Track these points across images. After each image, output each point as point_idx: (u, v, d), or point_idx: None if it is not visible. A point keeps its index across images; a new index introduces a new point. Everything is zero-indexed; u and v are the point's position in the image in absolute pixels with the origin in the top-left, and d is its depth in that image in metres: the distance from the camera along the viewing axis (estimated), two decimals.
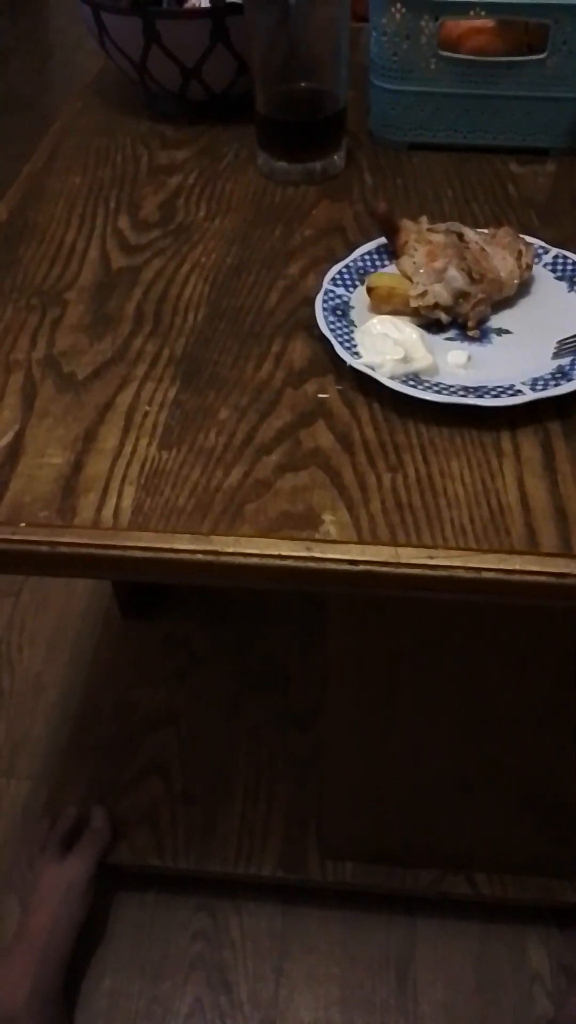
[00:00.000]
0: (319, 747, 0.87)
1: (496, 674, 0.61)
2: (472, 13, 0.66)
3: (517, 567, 0.42)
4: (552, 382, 0.49)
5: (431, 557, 0.43)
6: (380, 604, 0.55)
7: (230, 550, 0.44)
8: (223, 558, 0.44)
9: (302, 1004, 0.78)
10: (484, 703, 0.63)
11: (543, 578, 0.42)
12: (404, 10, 0.66)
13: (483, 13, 0.66)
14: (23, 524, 0.45)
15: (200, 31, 0.70)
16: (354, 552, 0.43)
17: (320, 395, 0.51)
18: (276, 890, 0.84)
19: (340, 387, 0.52)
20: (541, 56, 0.66)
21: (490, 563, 0.42)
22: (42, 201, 0.68)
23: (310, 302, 0.57)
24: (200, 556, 0.44)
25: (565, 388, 0.49)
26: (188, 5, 0.71)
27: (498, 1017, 0.78)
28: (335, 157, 0.70)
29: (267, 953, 0.81)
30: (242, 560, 0.44)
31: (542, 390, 0.49)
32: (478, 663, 0.60)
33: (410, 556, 0.43)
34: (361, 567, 0.43)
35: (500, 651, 0.59)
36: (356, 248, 0.60)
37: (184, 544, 0.44)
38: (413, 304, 0.54)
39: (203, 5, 0.71)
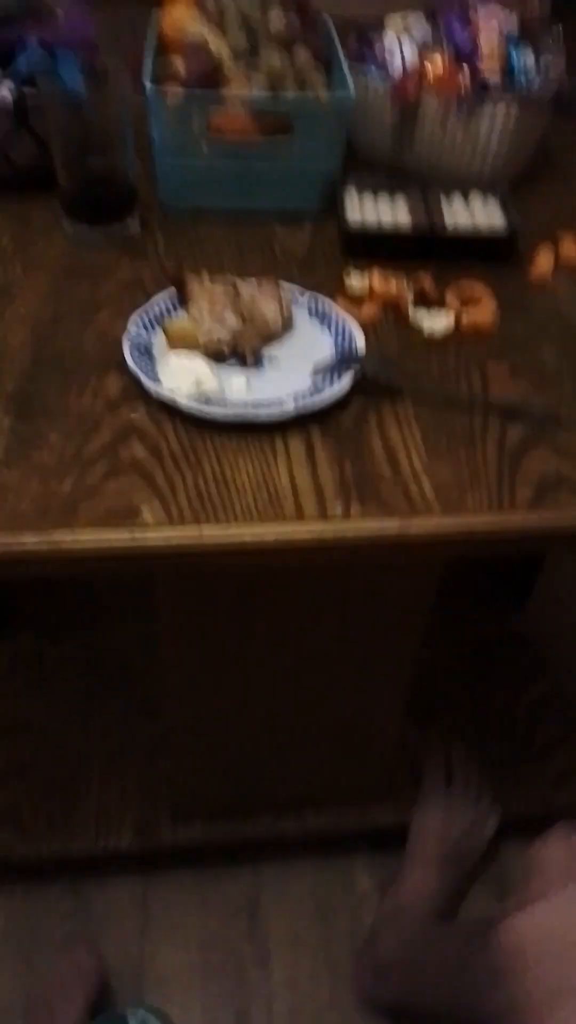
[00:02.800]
0: (166, 732, 0.98)
1: (305, 627, 0.74)
2: (231, 105, 0.82)
3: (289, 531, 0.57)
4: (310, 396, 0.65)
5: (225, 530, 0.56)
6: (196, 577, 0.68)
7: (68, 539, 0.55)
8: (63, 546, 0.56)
9: (166, 955, 0.89)
10: (297, 654, 0.77)
11: (307, 536, 0.57)
12: (177, 102, 0.80)
13: (240, 105, 0.82)
14: None
15: (3, 118, 0.82)
16: (167, 532, 0.56)
17: (132, 415, 0.64)
18: (134, 862, 0.94)
19: (148, 410, 0.65)
20: (289, 139, 0.83)
21: (270, 530, 0.57)
22: None
23: (118, 343, 0.69)
24: (44, 547, 0.55)
25: (319, 399, 0.64)
26: None
27: (335, 936, 0.92)
28: (130, 221, 0.83)
29: (131, 918, 0.91)
30: (79, 547, 0.56)
31: (302, 402, 0.64)
32: (287, 620, 0.73)
33: (211, 531, 0.56)
34: (174, 543, 0.56)
35: (305, 607, 0.73)
36: (152, 298, 0.74)
37: (29, 539, 0.55)
38: (201, 341, 0.68)
39: (3, 94, 0.82)
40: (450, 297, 0.76)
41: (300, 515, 0.57)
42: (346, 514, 0.57)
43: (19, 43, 0.83)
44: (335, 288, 0.78)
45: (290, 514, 0.57)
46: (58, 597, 1.14)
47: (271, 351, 0.71)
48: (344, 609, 0.73)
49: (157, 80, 0.83)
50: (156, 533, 0.56)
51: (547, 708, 1.07)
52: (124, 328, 0.70)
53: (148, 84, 0.81)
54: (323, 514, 0.57)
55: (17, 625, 1.10)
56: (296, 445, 0.63)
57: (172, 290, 0.73)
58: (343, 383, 0.66)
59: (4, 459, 0.60)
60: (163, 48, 0.91)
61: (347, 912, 0.94)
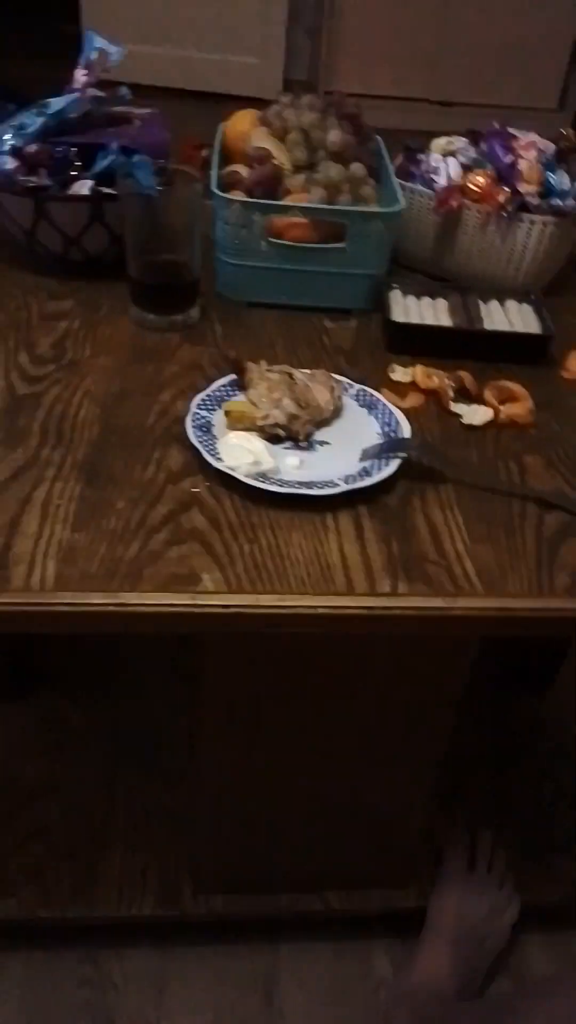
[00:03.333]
0: (189, 801, 0.99)
1: (341, 707, 0.77)
2: (291, 213, 0.89)
3: (339, 604, 0.60)
4: (358, 478, 0.69)
5: (281, 600, 0.60)
6: (243, 646, 0.71)
7: (134, 602, 0.59)
8: (129, 608, 0.59)
9: None
10: (331, 734, 0.79)
11: (357, 611, 0.60)
12: (241, 208, 0.88)
13: (299, 213, 0.89)
14: None
15: (81, 211, 0.89)
16: (226, 599, 0.60)
17: (193, 489, 0.69)
18: (154, 933, 0.94)
19: (208, 484, 0.69)
20: (342, 245, 0.90)
21: (322, 602, 0.60)
22: None
23: (180, 421, 0.74)
24: (112, 608, 0.59)
25: (368, 482, 0.68)
26: (71, 190, 0.90)
27: (351, 1018, 0.91)
28: (192, 311, 0.89)
29: (148, 990, 0.90)
30: (143, 609, 0.59)
31: (352, 483, 0.68)
32: (325, 698, 0.76)
33: (266, 600, 0.60)
34: (232, 610, 0.60)
35: (344, 686, 0.75)
36: (212, 381, 0.79)
37: (98, 599, 0.59)
38: (259, 423, 0.73)
39: (83, 192, 0.90)
40: (488, 394, 0.81)
41: (351, 589, 0.61)
42: (394, 591, 0.61)
43: (100, 146, 0.91)
44: (380, 380, 0.84)
45: (341, 588, 0.61)
46: (84, 660, 1.16)
47: (323, 435, 0.75)
48: (381, 690, 0.75)
49: (222, 186, 0.91)
50: (216, 600, 0.60)
51: (570, 797, 1.07)
52: (185, 406, 0.76)
53: (215, 190, 0.88)
54: (372, 589, 0.61)
55: (43, 686, 1.13)
56: (346, 523, 0.67)
57: (232, 376, 0.79)
58: (390, 467, 0.70)
59: (75, 523, 0.64)
60: (228, 156, 1.00)
61: (364, 995, 0.93)
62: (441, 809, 0.95)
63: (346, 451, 0.73)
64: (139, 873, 0.92)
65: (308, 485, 0.68)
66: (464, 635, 0.70)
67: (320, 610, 0.60)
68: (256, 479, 0.68)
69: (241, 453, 0.70)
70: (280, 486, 0.67)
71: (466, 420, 0.78)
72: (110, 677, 1.15)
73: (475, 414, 0.79)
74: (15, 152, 0.89)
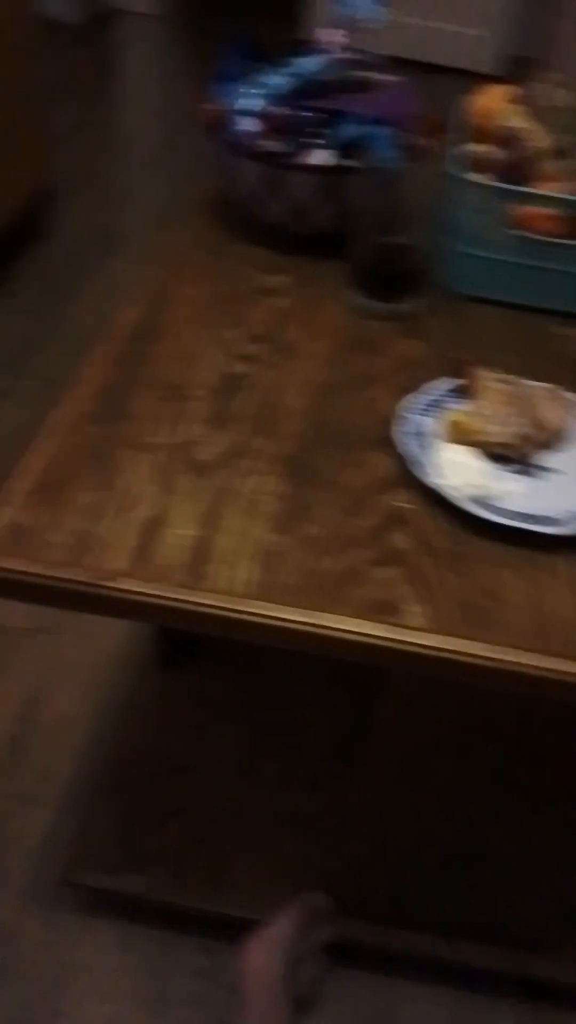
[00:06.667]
0: (323, 808, 0.95)
1: (527, 779, 0.69)
2: (543, 201, 0.80)
3: (559, 668, 0.53)
4: None
5: (494, 651, 0.53)
6: (433, 695, 0.64)
7: (332, 625, 0.54)
8: (323, 631, 0.54)
9: None
10: (506, 801, 0.71)
11: None
12: (486, 192, 0.80)
13: (553, 203, 0.80)
14: (163, 583, 0.55)
15: (315, 183, 0.84)
16: (430, 639, 0.54)
17: (402, 504, 0.62)
18: None
19: (418, 500, 0.63)
20: None
21: (545, 663, 0.53)
22: (167, 307, 0.80)
23: (387, 421, 0.68)
24: (306, 628, 0.54)
25: None
26: (309, 159, 0.84)
27: None
28: (412, 300, 0.82)
29: None
30: (341, 635, 0.54)
31: None
32: (512, 766, 0.68)
33: (478, 649, 0.53)
34: (434, 652, 0.53)
35: (539, 758, 0.67)
36: (427, 382, 0.72)
37: (295, 616, 0.54)
38: (484, 439, 0.66)
39: (322, 162, 0.84)
40: None
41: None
42: None
43: (346, 113, 0.84)
44: None
45: (568, 649, 0.53)
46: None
47: (553, 462, 0.67)
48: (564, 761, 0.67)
49: (465, 167, 0.83)
50: (419, 638, 0.54)
51: None
52: (394, 405, 0.69)
53: (457, 170, 0.81)
54: None
55: (196, 662, 1.10)
56: (572, 571, 0.59)
57: (454, 380, 0.71)
58: None
59: (277, 525, 0.60)
60: (472, 134, 0.91)
61: None
62: None
63: None
64: (267, 875, 0.89)
65: (535, 520, 0.60)
66: None
67: (543, 673, 0.53)
68: (476, 504, 0.61)
69: (461, 471, 0.63)
70: (503, 516, 0.60)
71: None
72: (262, 661, 1.12)
73: None
74: (259, 114, 0.84)
